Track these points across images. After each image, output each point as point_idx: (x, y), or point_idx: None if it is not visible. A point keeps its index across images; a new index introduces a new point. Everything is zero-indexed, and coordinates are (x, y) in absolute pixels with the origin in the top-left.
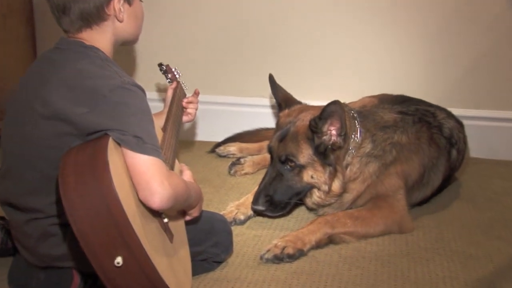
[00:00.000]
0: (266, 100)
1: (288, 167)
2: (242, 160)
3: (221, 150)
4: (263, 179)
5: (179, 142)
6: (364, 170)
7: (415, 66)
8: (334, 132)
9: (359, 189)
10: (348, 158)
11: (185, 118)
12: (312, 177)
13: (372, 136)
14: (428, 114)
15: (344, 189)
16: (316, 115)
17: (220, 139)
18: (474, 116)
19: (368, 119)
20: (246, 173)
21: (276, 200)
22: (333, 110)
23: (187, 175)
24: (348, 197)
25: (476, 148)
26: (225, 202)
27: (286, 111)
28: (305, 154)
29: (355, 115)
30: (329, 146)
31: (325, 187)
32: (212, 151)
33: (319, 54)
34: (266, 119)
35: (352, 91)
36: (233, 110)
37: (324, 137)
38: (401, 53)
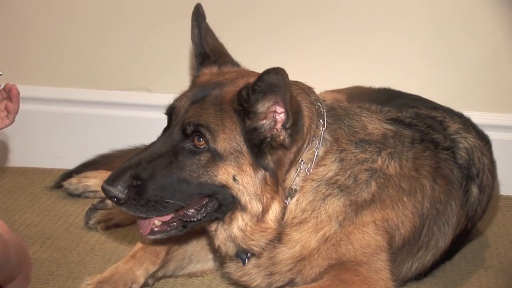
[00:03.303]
0: (155, 96)
1: (192, 145)
2: (109, 202)
3: (73, 184)
4: (142, 150)
5: None
6: (319, 208)
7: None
8: (279, 116)
9: (308, 244)
10: (296, 178)
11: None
12: (235, 178)
13: (340, 152)
14: (435, 124)
15: (281, 228)
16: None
17: (71, 165)
18: (506, 126)
19: (342, 123)
20: (116, 225)
21: (150, 192)
22: (274, 82)
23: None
24: (285, 254)
25: (510, 181)
26: (78, 276)
27: (216, 69)
28: (228, 136)
29: (322, 110)
30: (268, 139)
31: (257, 207)
32: (58, 185)
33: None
34: (154, 128)
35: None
36: (95, 114)
37: (263, 122)
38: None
